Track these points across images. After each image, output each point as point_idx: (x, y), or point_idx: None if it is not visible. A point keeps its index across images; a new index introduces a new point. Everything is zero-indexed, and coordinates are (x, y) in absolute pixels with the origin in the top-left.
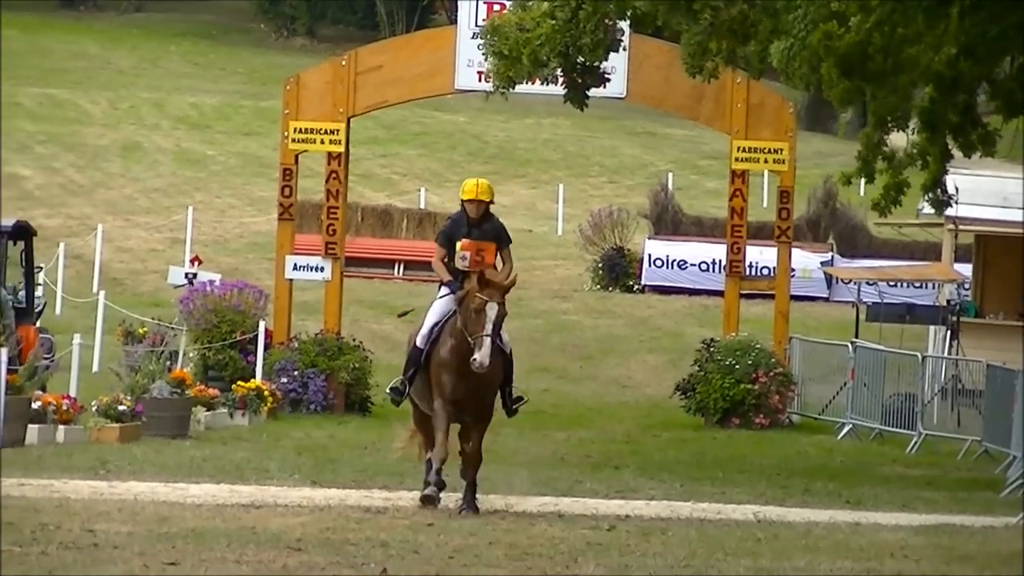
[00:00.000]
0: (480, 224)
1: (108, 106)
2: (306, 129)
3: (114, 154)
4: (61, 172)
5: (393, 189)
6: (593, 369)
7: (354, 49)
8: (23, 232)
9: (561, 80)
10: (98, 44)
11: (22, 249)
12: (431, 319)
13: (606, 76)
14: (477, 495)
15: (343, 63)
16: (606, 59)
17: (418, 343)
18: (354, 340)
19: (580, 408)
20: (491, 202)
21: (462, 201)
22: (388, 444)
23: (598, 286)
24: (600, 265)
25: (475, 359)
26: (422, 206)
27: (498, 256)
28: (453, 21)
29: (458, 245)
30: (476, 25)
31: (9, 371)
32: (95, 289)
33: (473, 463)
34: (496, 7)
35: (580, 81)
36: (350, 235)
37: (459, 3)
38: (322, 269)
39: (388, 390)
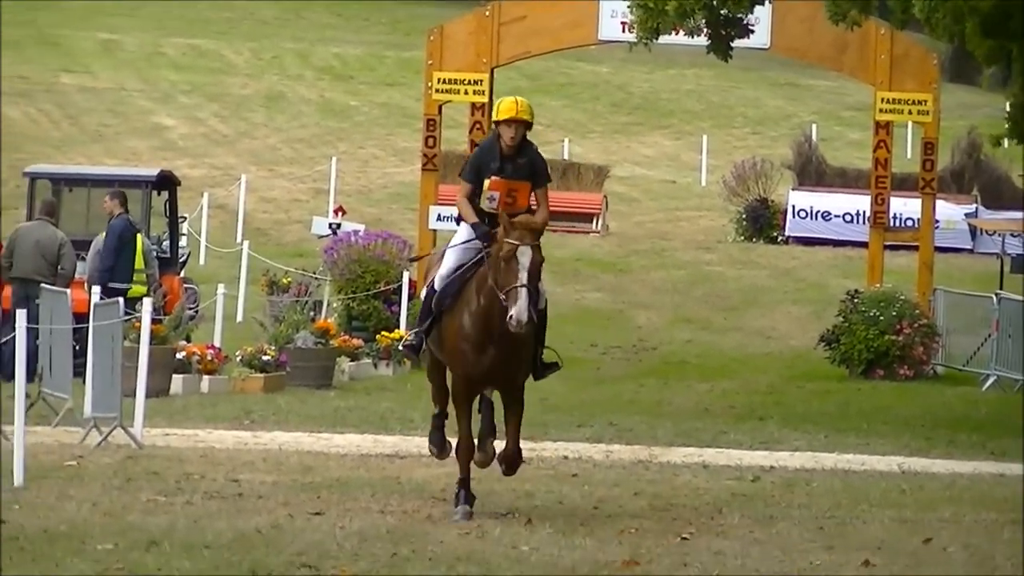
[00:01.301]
0: (515, 157)
1: (251, 56)
2: (450, 80)
3: (257, 104)
4: (205, 122)
5: (537, 140)
6: (737, 320)
7: (498, 0)
8: (167, 182)
9: (705, 31)
10: None
11: (166, 199)
12: (451, 261)
13: (750, 27)
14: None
15: (487, 13)
16: (751, 11)
17: (436, 284)
18: None
19: (723, 359)
20: (531, 125)
21: (495, 123)
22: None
23: (742, 237)
24: (744, 216)
25: (511, 316)
26: (565, 156)
27: (532, 197)
28: None
29: (485, 184)
30: None
31: (154, 321)
32: (239, 239)
33: (511, 463)
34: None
35: (724, 32)
36: None
37: None
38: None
39: (401, 346)
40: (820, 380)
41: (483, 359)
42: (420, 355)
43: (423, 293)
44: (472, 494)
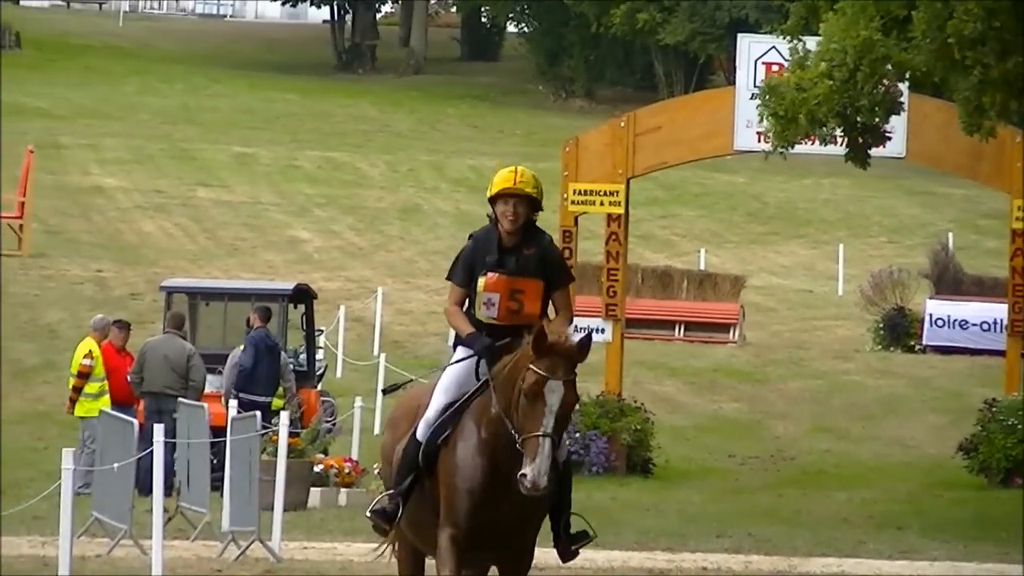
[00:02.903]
0: (518, 247)
1: (387, 168)
2: (585, 191)
3: (393, 216)
4: (340, 235)
5: (673, 250)
6: (875, 429)
7: (632, 110)
8: (303, 295)
9: (841, 139)
10: (376, 107)
11: (303, 312)
12: (441, 397)
13: (887, 135)
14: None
15: (622, 124)
16: (887, 121)
17: (418, 434)
18: (635, 401)
19: (862, 468)
20: (538, 204)
21: (491, 200)
22: (671, 506)
23: (879, 346)
24: (881, 325)
25: (524, 474)
26: (702, 267)
27: (544, 302)
28: (731, 82)
29: (480, 282)
30: (754, 86)
31: (291, 434)
32: (375, 352)
33: None
34: (774, 67)
35: (861, 140)
36: (630, 296)
37: (737, 64)
38: (603, 331)
39: (369, 513)
40: (958, 489)
41: (481, 512)
42: (393, 525)
43: (399, 446)
44: None
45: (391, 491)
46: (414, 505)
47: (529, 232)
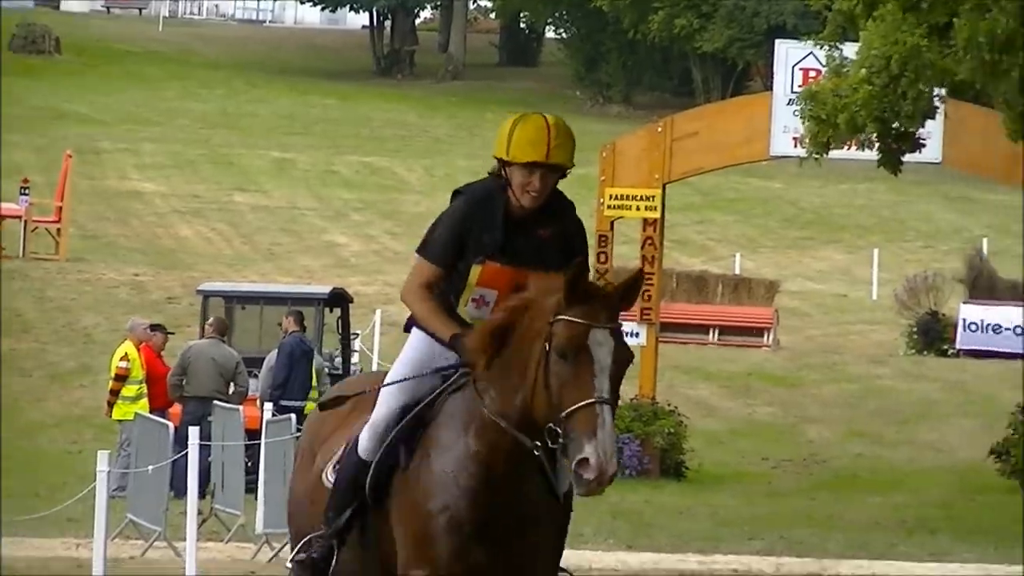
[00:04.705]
0: (533, 222)
1: (424, 173)
2: (622, 196)
3: (430, 221)
4: (377, 239)
5: (708, 255)
6: (908, 433)
7: (669, 116)
8: (340, 299)
9: (876, 144)
10: (415, 112)
11: (339, 316)
12: (393, 399)
13: (921, 141)
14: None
15: (659, 129)
16: (923, 126)
17: (362, 450)
18: (669, 405)
19: (895, 472)
20: (568, 171)
21: (503, 164)
22: (703, 509)
23: (913, 351)
24: (915, 330)
25: (585, 460)
26: (737, 271)
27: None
28: (768, 88)
29: (474, 271)
30: (792, 92)
31: None
32: None
33: None
34: (811, 73)
35: (895, 146)
36: (665, 300)
37: (775, 70)
38: (637, 335)
39: (289, 563)
40: (991, 493)
41: (473, 552)
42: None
43: (326, 472)
44: None
45: (319, 533)
46: (353, 552)
47: (547, 201)
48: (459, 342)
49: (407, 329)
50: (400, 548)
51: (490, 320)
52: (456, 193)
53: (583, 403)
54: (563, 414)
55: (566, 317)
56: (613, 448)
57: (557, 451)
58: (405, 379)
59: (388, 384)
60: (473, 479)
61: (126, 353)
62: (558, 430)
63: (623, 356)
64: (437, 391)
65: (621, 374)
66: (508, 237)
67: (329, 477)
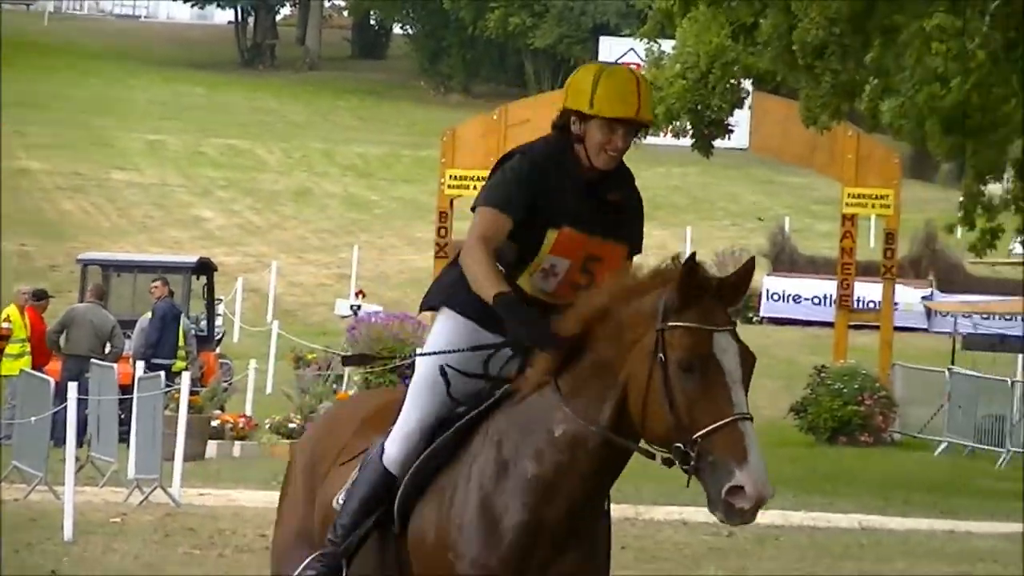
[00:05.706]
0: (603, 187)
1: (282, 155)
2: (461, 176)
3: (287, 198)
4: (240, 214)
5: None
6: None
7: (504, 104)
8: (205, 268)
9: (690, 132)
10: (275, 99)
11: (204, 283)
12: (426, 400)
13: (730, 128)
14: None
15: (495, 117)
16: (731, 114)
17: (389, 460)
18: None
19: None
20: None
21: (578, 116)
22: None
23: None
24: None
25: (738, 488)
26: None
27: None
28: None
29: (549, 237)
30: None
31: (192, 393)
32: (269, 319)
33: None
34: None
35: (707, 133)
36: None
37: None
38: None
39: None
40: (789, 446)
41: None
42: None
43: (338, 499)
44: None
45: (326, 550)
46: (367, 563)
47: (620, 168)
48: (513, 306)
49: (428, 308)
50: None
51: (588, 302)
52: (510, 155)
53: (722, 422)
54: (698, 435)
55: (683, 324)
56: (765, 470)
57: (687, 474)
58: (439, 378)
59: (417, 381)
60: (532, 515)
61: (8, 315)
62: (690, 452)
63: (750, 360)
64: (487, 403)
65: (750, 380)
66: (579, 203)
67: (340, 500)
